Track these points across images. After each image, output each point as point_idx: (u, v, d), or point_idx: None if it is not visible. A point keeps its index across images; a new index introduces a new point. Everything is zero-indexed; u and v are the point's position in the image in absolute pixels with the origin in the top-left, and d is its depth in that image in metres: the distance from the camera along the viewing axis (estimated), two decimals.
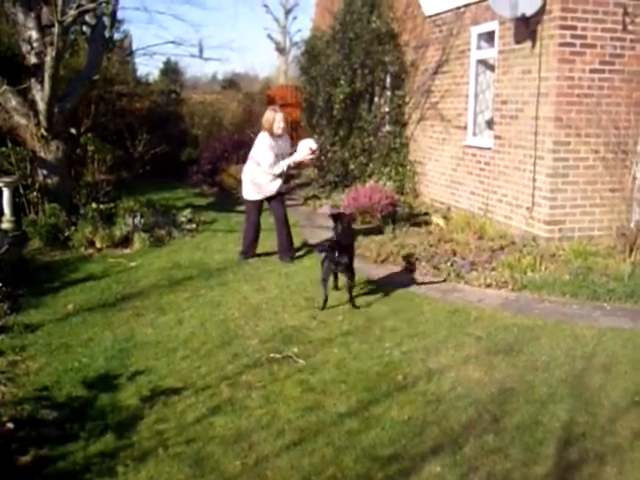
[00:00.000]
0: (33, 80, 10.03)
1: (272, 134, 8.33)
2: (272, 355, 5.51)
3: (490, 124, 10.27)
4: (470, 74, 10.48)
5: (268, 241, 8.98)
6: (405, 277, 7.80)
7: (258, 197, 8.52)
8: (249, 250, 8.66)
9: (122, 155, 14.36)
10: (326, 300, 6.67)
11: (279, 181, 8.49)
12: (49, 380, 5.08)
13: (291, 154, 8.48)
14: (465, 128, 10.70)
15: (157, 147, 15.02)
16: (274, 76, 34.45)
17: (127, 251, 9.17)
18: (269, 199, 8.56)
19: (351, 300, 6.72)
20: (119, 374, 5.17)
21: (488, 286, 7.40)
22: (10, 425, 4.31)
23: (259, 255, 8.73)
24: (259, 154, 8.37)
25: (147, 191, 13.03)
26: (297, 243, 9.27)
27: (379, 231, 9.77)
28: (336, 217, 7.26)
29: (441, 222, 9.97)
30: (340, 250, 6.73)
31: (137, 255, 8.94)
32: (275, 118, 8.33)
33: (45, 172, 10.02)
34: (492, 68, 10.09)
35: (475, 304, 6.86)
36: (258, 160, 8.38)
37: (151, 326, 6.28)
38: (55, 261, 8.66)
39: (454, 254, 8.33)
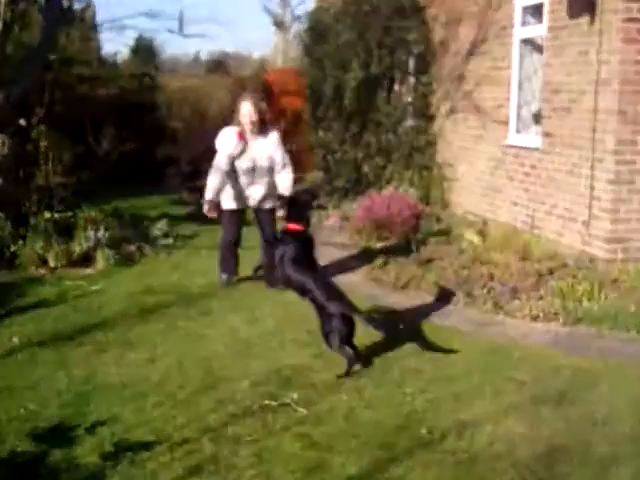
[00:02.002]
0: None
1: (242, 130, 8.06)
2: (266, 402, 5.47)
3: (537, 118, 10.28)
4: (513, 56, 10.51)
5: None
6: (431, 307, 7.79)
7: (233, 206, 8.34)
8: (228, 271, 8.54)
9: (83, 153, 14.38)
10: (352, 362, 6.09)
11: (261, 188, 8.27)
12: None
13: (271, 169, 8.11)
14: (506, 123, 10.71)
15: (126, 143, 15.08)
16: (271, 57, 34.53)
17: (88, 271, 9.17)
18: (257, 212, 8.46)
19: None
20: (76, 425, 5.13)
21: (534, 319, 7.38)
22: None
23: (250, 278, 8.72)
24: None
25: (114, 198, 13.05)
26: None
27: (399, 250, 9.76)
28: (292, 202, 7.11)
29: (476, 239, 9.96)
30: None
31: (100, 277, 8.93)
32: (239, 109, 8.02)
33: None
34: (540, 49, 10.12)
35: (518, 341, 6.83)
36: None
37: (116, 365, 6.25)
38: None
39: (492, 278, 8.31)
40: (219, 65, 27.29)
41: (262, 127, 8.10)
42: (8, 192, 10.14)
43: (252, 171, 8.11)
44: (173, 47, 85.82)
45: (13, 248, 9.28)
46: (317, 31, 13.92)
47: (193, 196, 14.59)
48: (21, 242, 9.36)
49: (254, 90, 17.98)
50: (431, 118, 12.85)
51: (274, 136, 8.16)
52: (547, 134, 9.69)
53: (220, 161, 8.01)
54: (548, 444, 4.88)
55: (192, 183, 14.94)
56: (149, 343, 6.76)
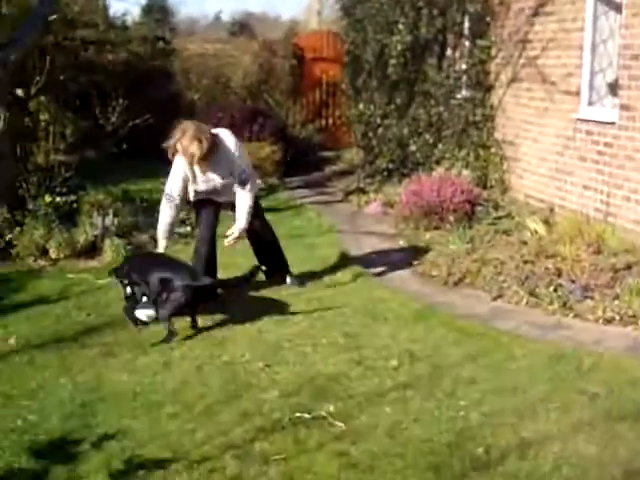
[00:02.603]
0: None
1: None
2: (298, 415, 5.48)
3: (614, 88, 10.20)
4: (586, 16, 10.42)
5: (288, 253, 8.98)
6: (488, 306, 7.76)
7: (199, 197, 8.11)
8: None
9: (88, 128, 14.49)
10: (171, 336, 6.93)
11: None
12: None
13: (223, 187, 7.80)
14: (577, 94, 10.62)
15: (138, 117, 15.12)
16: (303, 18, 34.58)
17: (94, 263, 9.26)
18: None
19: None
20: (81, 438, 5.17)
21: (609, 321, 7.33)
22: None
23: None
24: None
25: (123, 179, 13.13)
26: (334, 255, 9.27)
27: (451, 240, 9.73)
28: None
29: (540, 228, 9.90)
30: None
31: (108, 269, 8.99)
32: (178, 148, 7.57)
33: None
34: (618, 8, 10.03)
35: (589, 347, 6.78)
36: None
37: (126, 370, 6.29)
38: None
39: (559, 274, 8.26)
40: (243, 27, 27.35)
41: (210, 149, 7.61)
42: (3, 173, 10.21)
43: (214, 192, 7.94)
44: (190, 7, 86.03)
45: (9, 236, 9.37)
46: None
47: None
48: (18, 229, 9.45)
49: (295, 57, 18.22)
50: (489, 89, 12.78)
51: (228, 160, 7.75)
52: (625, 107, 9.59)
53: (172, 182, 7.80)
54: (624, 467, 4.84)
55: None
56: (164, 346, 6.80)
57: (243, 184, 7.75)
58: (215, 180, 7.80)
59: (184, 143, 7.45)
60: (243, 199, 7.78)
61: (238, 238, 7.82)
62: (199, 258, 8.00)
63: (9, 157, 10.47)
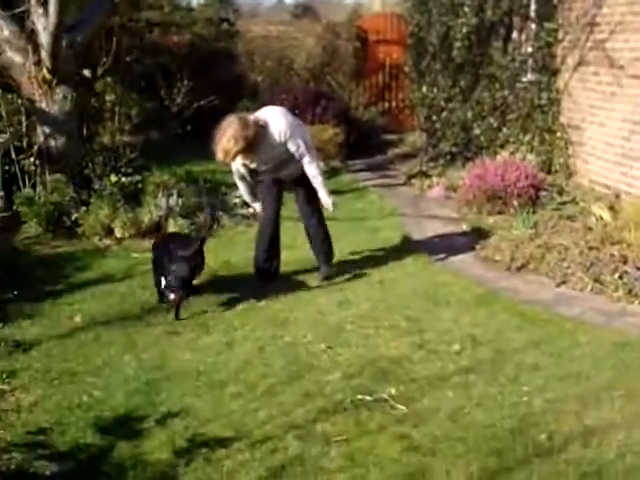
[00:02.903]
0: (33, 2, 10.24)
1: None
2: (360, 397, 5.50)
3: None
4: None
5: (350, 235, 8.97)
6: (552, 292, 7.70)
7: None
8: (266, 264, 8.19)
9: (153, 109, 14.59)
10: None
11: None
12: (47, 420, 5.20)
13: (282, 163, 7.77)
14: None
15: (202, 98, 15.21)
16: (367, 0, 34.45)
17: None
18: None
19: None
20: (145, 415, 5.26)
21: None
22: None
23: (342, 253, 8.75)
24: None
25: (187, 160, 13.20)
26: (396, 239, 9.25)
27: (515, 225, 9.65)
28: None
29: (606, 214, 9.78)
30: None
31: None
32: (224, 157, 7.53)
33: (47, 130, 10.26)
34: None
35: None
36: None
37: (190, 350, 6.37)
38: (58, 254, 8.91)
39: (625, 261, 8.15)
40: (306, 10, 27.33)
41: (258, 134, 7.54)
42: (70, 152, 10.33)
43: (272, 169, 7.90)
44: None
45: (75, 215, 9.50)
46: None
47: None
48: (84, 209, 9.59)
49: (358, 39, 18.17)
50: (555, 72, 12.62)
51: (273, 132, 7.60)
52: None
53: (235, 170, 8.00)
54: None
55: None
56: (227, 326, 6.86)
57: (302, 157, 7.67)
58: (271, 161, 7.74)
59: (224, 145, 7.39)
60: (310, 171, 7.73)
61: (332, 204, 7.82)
62: (263, 238, 8.02)
63: (76, 137, 10.58)
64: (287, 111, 7.89)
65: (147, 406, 5.38)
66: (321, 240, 8.22)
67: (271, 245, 8.03)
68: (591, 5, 11.57)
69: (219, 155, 7.44)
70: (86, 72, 11.49)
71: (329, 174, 13.30)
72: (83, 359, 6.16)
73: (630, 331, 6.76)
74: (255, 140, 7.41)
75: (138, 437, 4.97)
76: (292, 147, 7.59)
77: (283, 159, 7.72)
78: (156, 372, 5.92)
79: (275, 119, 7.62)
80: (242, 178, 8.00)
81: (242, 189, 8.15)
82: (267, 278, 8.02)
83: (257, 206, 8.18)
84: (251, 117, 7.53)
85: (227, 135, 7.34)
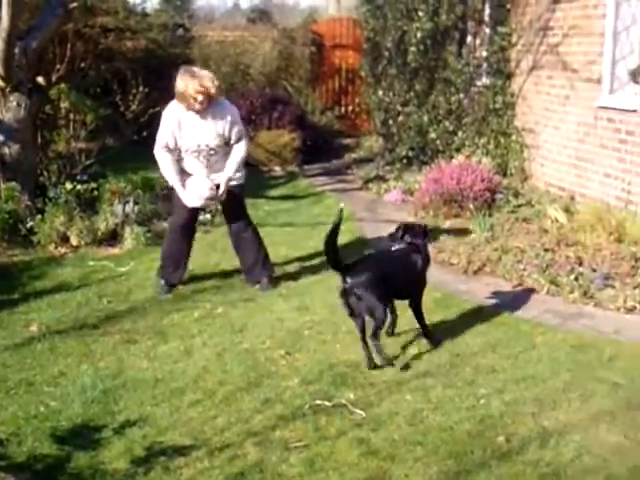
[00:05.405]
0: None
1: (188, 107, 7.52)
2: (318, 402, 5.51)
3: (636, 76, 10.13)
4: (608, 3, 10.35)
5: (308, 241, 8.98)
6: (508, 296, 7.75)
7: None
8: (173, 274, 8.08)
9: (109, 115, 14.50)
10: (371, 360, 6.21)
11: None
12: (4, 431, 5.15)
13: (227, 143, 7.66)
14: (599, 82, 10.56)
15: (158, 105, 15.13)
16: (322, 5, 34.50)
17: (115, 251, 9.31)
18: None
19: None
20: (102, 425, 5.22)
21: (630, 310, 7.31)
22: None
23: (300, 259, 8.76)
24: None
25: (143, 166, 13.07)
26: (354, 243, 9.27)
27: (471, 229, 9.71)
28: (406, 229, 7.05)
29: (561, 216, 9.87)
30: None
31: (128, 257, 9.03)
32: (188, 89, 7.36)
33: (0, 138, 10.15)
34: None
35: (610, 336, 6.76)
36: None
37: (147, 358, 6.33)
38: (13, 263, 8.84)
39: (580, 263, 8.23)
40: (262, 15, 27.32)
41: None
42: (24, 160, 10.25)
43: (175, 152, 7.70)
44: None
45: (30, 223, 9.40)
46: None
47: None
48: (39, 217, 9.48)
49: (314, 44, 18.19)
50: (510, 76, 12.72)
51: (226, 111, 7.63)
52: None
53: (162, 136, 7.64)
54: None
55: None
56: (184, 333, 6.84)
57: (238, 141, 7.67)
58: (205, 136, 7.54)
59: (203, 82, 7.31)
60: (237, 151, 7.70)
61: (224, 190, 7.64)
62: (168, 243, 8.06)
63: (30, 145, 10.51)
64: None
65: (105, 415, 5.35)
66: (257, 250, 8.08)
67: (178, 253, 7.97)
68: (544, 9, 11.68)
69: (206, 82, 7.33)
70: (40, 79, 11.39)
71: (286, 179, 13.33)
72: (40, 369, 6.10)
73: (586, 333, 6.82)
74: (216, 100, 7.51)
75: (96, 447, 4.94)
76: (235, 128, 7.60)
77: (219, 145, 7.59)
78: (113, 381, 5.88)
79: (231, 104, 7.77)
80: (164, 149, 7.62)
81: (165, 163, 7.66)
82: (170, 285, 7.95)
83: (178, 186, 7.65)
84: None
85: (205, 72, 7.49)
